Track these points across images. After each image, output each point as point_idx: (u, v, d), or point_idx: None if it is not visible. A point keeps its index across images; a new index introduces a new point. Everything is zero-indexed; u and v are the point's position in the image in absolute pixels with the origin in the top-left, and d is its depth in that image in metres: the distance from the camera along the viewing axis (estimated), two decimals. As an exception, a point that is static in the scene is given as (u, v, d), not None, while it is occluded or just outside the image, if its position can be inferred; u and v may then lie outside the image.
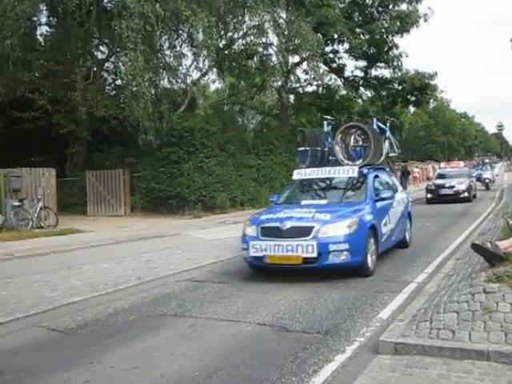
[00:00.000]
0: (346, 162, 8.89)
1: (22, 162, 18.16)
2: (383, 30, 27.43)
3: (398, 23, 27.44)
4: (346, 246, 7.11)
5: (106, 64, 24.33)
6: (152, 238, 13.43)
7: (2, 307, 6.48)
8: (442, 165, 31.28)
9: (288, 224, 7.24)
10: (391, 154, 11.20)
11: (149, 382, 4.07)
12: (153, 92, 19.65)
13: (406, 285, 6.89)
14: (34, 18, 20.50)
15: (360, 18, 28.16)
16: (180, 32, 21.27)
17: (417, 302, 5.45)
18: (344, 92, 32.17)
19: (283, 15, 24.33)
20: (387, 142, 10.77)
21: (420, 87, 28.77)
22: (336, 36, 27.40)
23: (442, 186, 22.50)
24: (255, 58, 25.02)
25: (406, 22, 27.35)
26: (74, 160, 22.70)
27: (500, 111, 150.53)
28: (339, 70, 30.33)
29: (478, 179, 30.29)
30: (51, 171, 16.85)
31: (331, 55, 29.32)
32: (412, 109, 45.58)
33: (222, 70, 26.19)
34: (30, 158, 20.26)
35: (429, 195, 22.66)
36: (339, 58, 29.74)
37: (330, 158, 9.48)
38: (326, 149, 9.68)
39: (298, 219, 7.39)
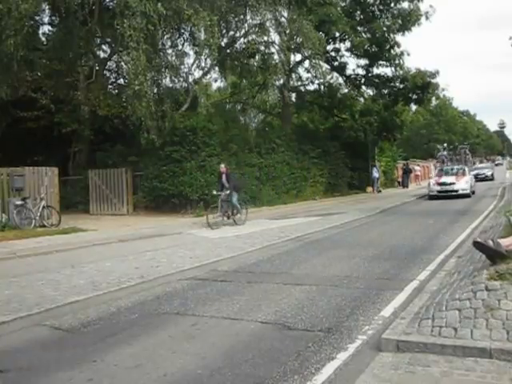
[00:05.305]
0: None
1: (25, 161, 18.21)
2: (385, 29, 27.40)
3: (400, 21, 27.43)
4: None
5: (109, 63, 24.36)
6: (154, 237, 13.45)
7: (5, 306, 6.50)
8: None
9: None
10: None
11: (152, 380, 4.08)
12: (155, 91, 19.67)
13: (408, 283, 6.89)
14: (37, 18, 20.56)
15: (362, 17, 28.18)
16: (182, 31, 21.24)
17: (419, 300, 5.46)
18: (346, 90, 32.14)
19: (285, 14, 24.31)
20: None
21: (422, 85, 28.75)
22: (338, 34, 27.44)
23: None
24: (257, 57, 24.96)
25: (408, 20, 27.32)
26: (76, 159, 22.79)
27: (502, 109, 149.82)
28: (341, 69, 30.33)
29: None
30: (54, 170, 16.87)
31: (333, 53, 29.35)
32: (414, 107, 45.51)
33: (224, 68, 26.13)
34: (33, 157, 20.34)
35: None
36: (341, 57, 29.77)
37: None
38: None
39: None
